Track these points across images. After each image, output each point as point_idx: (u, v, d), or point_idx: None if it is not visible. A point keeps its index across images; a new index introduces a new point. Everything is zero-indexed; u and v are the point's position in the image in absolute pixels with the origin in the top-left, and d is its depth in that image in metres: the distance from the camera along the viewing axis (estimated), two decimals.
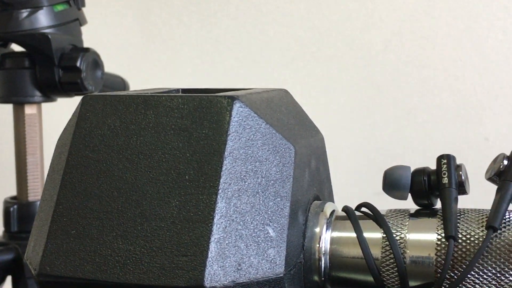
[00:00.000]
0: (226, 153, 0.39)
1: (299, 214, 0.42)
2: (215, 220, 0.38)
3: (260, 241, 0.39)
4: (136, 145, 0.40)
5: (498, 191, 0.42)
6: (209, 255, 0.37)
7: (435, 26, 0.88)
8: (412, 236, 0.42)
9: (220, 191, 0.38)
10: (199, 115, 0.40)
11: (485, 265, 0.41)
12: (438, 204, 0.44)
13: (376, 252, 0.42)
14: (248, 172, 0.40)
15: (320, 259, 0.43)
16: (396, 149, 0.93)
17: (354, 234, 0.43)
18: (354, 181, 0.88)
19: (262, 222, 0.40)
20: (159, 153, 0.40)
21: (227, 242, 0.38)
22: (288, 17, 0.93)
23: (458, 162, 0.43)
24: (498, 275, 0.40)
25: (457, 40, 0.87)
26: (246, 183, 0.39)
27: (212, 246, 0.37)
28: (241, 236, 0.39)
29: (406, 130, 0.92)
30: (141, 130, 0.41)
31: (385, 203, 0.46)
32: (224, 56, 0.96)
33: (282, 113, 0.44)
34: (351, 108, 0.92)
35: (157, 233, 0.38)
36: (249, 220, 0.39)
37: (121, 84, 0.88)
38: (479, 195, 0.51)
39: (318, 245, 0.43)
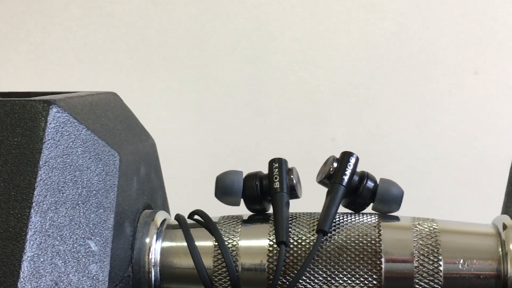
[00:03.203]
0: (41, 163, 0.36)
1: (126, 225, 0.40)
2: (28, 236, 0.35)
3: (81, 256, 0.36)
4: None
5: (328, 194, 0.42)
6: (21, 275, 0.34)
7: (281, 28, 0.89)
8: (244, 243, 0.41)
9: (34, 204, 0.35)
10: (11, 122, 0.37)
11: (316, 269, 0.40)
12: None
13: (208, 261, 0.41)
14: (66, 183, 0.37)
15: (150, 272, 0.41)
16: (247, 150, 0.92)
17: (185, 243, 0.41)
18: (204, 184, 0.86)
19: (82, 236, 0.37)
20: None
21: (42, 260, 0.35)
22: (135, 16, 0.90)
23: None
24: (329, 278, 0.40)
25: (302, 42, 0.88)
26: (65, 194, 0.36)
27: (25, 265, 0.34)
28: (59, 253, 0.36)
29: (256, 131, 0.92)
30: None
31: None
32: (66, 57, 0.91)
33: (107, 118, 0.42)
34: (200, 110, 0.90)
35: None
36: (67, 234, 0.36)
37: None
38: None
39: (147, 257, 0.41)
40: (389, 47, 0.88)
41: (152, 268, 0.41)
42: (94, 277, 0.37)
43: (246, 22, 0.89)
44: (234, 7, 0.88)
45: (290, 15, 0.88)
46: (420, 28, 0.87)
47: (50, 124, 0.37)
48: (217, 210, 0.47)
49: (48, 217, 0.35)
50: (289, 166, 0.43)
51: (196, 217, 0.43)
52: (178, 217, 0.43)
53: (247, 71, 0.89)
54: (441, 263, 0.40)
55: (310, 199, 0.51)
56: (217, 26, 0.89)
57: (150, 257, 0.41)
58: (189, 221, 0.43)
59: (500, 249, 0.40)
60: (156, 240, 0.42)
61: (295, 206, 0.47)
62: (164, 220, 0.43)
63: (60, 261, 0.36)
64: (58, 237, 0.36)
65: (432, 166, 0.88)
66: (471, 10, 0.85)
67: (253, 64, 0.90)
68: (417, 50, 0.87)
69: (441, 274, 0.40)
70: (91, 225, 0.37)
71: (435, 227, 0.41)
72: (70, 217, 0.36)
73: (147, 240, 0.41)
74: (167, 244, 0.42)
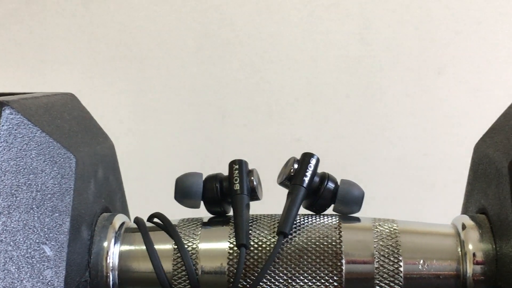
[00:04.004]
0: None
1: (83, 229, 0.39)
2: None
3: (35, 262, 0.35)
4: None
5: (288, 195, 0.42)
6: None
7: (243, 28, 0.88)
8: (204, 246, 0.41)
9: None
10: None
11: (277, 271, 0.40)
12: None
13: (167, 264, 0.40)
14: (20, 186, 0.36)
15: (108, 276, 0.40)
16: (211, 152, 0.92)
17: (144, 247, 0.40)
18: (166, 186, 0.85)
19: (37, 241, 0.36)
20: None
21: None
22: (95, 16, 0.88)
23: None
24: (290, 280, 0.40)
25: (265, 42, 0.88)
26: (18, 198, 0.35)
27: None
28: (12, 258, 0.35)
29: (221, 132, 0.91)
30: None
31: None
32: (24, 57, 0.89)
33: (63, 119, 0.41)
34: (162, 110, 0.89)
35: None
36: (21, 239, 0.35)
37: None
38: None
39: (105, 261, 0.40)
40: (352, 47, 0.88)
41: (110, 273, 0.40)
42: (49, 283, 0.36)
43: (208, 22, 0.88)
44: (195, 7, 0.87)
45: (253, 14, 0.88)
46: (383, 28, 0.87)
47: (2, 126, 0.36)
48: (179, 212, 0.47)
49: (1, 222, 0.35)
50: (252, 167, 0.42)
51: (155, 220, 0.42)
52: (137, 220, 0.42)
53: (210, 71, 0.89)
54: (401, 263, 0.40)
55: (276, 200, 0.50)
56: (179, 26, 0.88)
57: (108, 261, 0.40)
58: (149, 224, 0.42)
59: (459, 249, 0.40)
60: (114, 244, 0.41)
61: (258, 208, 0.47)
62: (122, 224, 0.42)
63: (14, 267, 0.35)
64: (11, 242, 0.35)
65: (395, 166, 0.89)
66: (434, 10, 0.86)
67: (217, 64, 0.89)
68: (380, 50, 0.88)
69: (401, 274, 0.40)
70: (46, 229, 0.36)
71: (396, 227, 0.41)
72: (24, 222, 0.35)
73: (105, 244, 0.41)
74: (125, 247, 0.41)
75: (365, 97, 0.89)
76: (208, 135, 0.90)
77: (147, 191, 0.86)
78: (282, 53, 0.88)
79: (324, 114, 0.90)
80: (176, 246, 0.40)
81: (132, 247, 0.41)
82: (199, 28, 0.88)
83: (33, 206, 0.36)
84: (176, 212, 0.47)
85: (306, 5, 0.88)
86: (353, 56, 0.88)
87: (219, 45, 0.88)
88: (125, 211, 0.47)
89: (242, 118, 0.91)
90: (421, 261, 0.40)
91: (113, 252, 0.41)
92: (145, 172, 0.87)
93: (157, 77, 0.89)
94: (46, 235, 0.36)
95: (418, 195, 0.88)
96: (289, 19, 0.87)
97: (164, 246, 0.41)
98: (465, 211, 0.46)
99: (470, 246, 0.40)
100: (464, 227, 0.41)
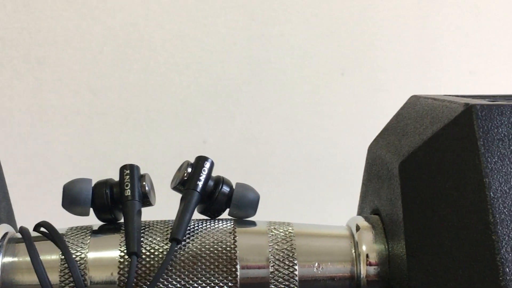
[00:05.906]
0: None
1: None
2: None
3: None
4: None
5: (182, 200, 0.40)
6: None
7: (148, 28, 0.86)
8: (93, 255, 0.39)
9: None
10: None
11: (170, 279, 0.39)
12: None
13: (54, 276, 0.38)
14: None
15: None
16: (115, 154, 0.89)
17: (28, 258, 0.38)
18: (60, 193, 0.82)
19: None
20: None
21: None
22: None
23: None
24: None
25: (170, 42, 0.87)
26: None
27: None
28: None
29: (124, 134, 0.89)
30: None
31: None
32: None
33: None
34: (60, 112, 0.86)
35: None
36: None
37: None
38: None
39: None
40: (258, 48, 0.88)
41: None
42: None
43: (113, 22, 0.86)
44: (99, 7, 0.85)
45: (158, 15, 0.86)
46: (287, 30, 0.88)
47: None
48: (76, 220, 0.44)
49: None
50: (145, 172, 0.41)
51: (42, 229, 0.40)
52: (21, 230, 0.40)
53: (114, 72, 0.87)
54: (296, 267, 0.39)
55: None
56: (83, 26, 0.86)
57: None
58: (35, 234, 0.40)
59: (353, 251, 0.40)
60: None
61: (156, 213, 0.45)
62: (5, 234, 0.40)
63: None
64: None
65: (303, 167, 0.89)
66: (336, 12, 0.87)
67: (121, 65, 0.87)
68: (285, 51, 0.88)
69: (296, 278, 0.39)
70: None
71: (291, 231, 0.41)
72: None
73: None
74: (8, 259, 0.39)
75: (272, 98, 0.89)
76: (109, 138, 0.88)
77: (39, 199, 0.83)
78: (188, 53, 0.87)
79: (231, 115, 0.90)
80: (63, 257, 0.38)
81: (15, 259, 0.39)
82: (103, 29, 0.85)
83: None
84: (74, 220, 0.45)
85: (211, 6, 0.87)
86: (258, 57, 0.88)
87: (124, 46, 0.86)
88: (11, 221, 0.45)
89: (145, 120, 0.89)
90: (316, 264, 0.40)
91: None
92: (37, 179, 0.84)
93: (55, 78, 0.86)
94: None
95: (322, 195, 0.88)
96: (195, 20, 0.86)
97: (51, 256, 0.39)
98: (360, 212, 0.46)
99: (364, 248, 0.40)
100: (358, 228, 0.41)
